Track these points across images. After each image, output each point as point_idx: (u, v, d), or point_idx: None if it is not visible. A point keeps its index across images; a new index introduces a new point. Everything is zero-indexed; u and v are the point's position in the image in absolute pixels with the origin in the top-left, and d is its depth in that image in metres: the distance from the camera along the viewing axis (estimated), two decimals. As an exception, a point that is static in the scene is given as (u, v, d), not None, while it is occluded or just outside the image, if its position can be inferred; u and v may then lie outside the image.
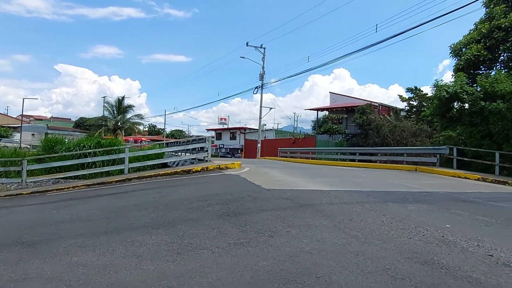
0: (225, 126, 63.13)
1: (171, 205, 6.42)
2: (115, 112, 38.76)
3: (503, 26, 15.92)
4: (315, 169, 14.46)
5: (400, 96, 29.59)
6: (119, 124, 38.79)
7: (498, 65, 17.27)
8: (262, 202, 6.20)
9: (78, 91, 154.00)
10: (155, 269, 3.47)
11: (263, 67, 34.44)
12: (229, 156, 45.62)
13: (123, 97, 39.91)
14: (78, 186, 10.21)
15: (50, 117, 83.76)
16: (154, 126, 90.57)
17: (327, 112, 37.59)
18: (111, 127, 36.94)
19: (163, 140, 61.39)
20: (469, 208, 6.23)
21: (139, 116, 42.03)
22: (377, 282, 2.93)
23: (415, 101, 28.55)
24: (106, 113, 39.76)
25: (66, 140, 15.55)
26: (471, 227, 4.85)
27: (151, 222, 5.29)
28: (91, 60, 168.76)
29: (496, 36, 16.10)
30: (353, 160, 21.38)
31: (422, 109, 25.79)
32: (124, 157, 11.91)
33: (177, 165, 14.79)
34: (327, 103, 40.48)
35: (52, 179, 12.04)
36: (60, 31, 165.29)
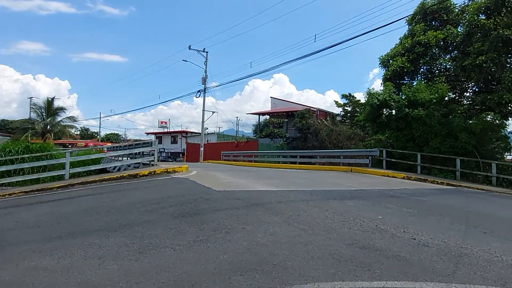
0: (166, 130, 61.74)
1: (123, 208, 6.44)
2: (43, 114, 36.04)
3: (422, 42, 17.97)
4: (260, 172, 15.02)
5: (336, 102, 31.58)
6: (48, 127, 36.20)
7: (419, 76, 19.39)
8: (215, 203, 6.50)
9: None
10: (119, 268, 3.61)
11: (205, 71, 34.51)
12: (171, 160, 44.76)
13: (53, 98, 37.28)
14: (15, 193, 9.58)
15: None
16: (87, 130, 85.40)
17: (268, 117, 38.71)
18: (39, 131, 34.28)
19: (97, 145, 58.34)
20: (396, 202, 7.14)
21: (72, 118, 39.58)
22: (325, 265, 3.42)
23: (349, 106, 30.68)
24: (34, 115, 36.81)
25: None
26: (399, 217, 5.64)
27: (105, 225, 5.31)
28: (13, 57, 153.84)
29: (417, 50, 18.10)
30: (294, 163, 22.43)
31: (356, 114, 27.81)
32: (64, 162, 11.38)
33: (118, 170, 14.42)
34: (267, 107, 41.69)
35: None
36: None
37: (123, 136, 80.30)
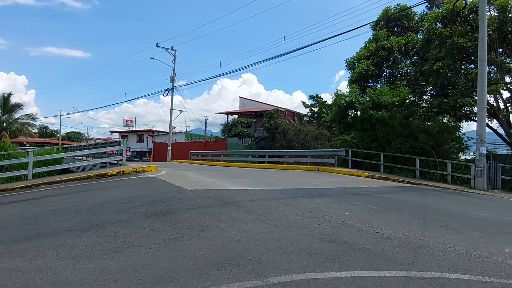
0: (132, 129, 60.20)
1: (94, 208, 6.36)
2: (-1, 111, 34.17)
3: (386, 47, 18.81)
4: (229, 171, 15.14)
5: (303, 103, 32.28)
6: (4, 125, 34.32)
7: (382, 79, 20.27)
8: (188, 202, 6.57)
9: None
10: (95, 267, 3.63)
11: (173, 69, 34.10)
12: (136, 159, 43.70)
13: (9, 94, 35.44)
14: (-28, 195, 9.12)
15: None
16: (46, 128, 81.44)
17: (236, 116, 38.84)
18: (-6, 128, 32.51)
19: (58, 143, 55.83)
20: (361, 199, 7.55)
21: (30, 116, 37.76)
22: (297, 258, 3.63)
23: (316, 107, 31.46)
24: (-13, 112, 34.83)
25: None
26: (364, 213, 6.00)
27: (77, 225, 5.25)
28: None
29: (381, 54, 18.93)
30: (263, 162, 22.72)
31: (322, 115, 28.58)
32: (27, 162, 10.93)
33: (83, 170, 14.03)
34: (236, 107, 41.82)
35: None
36: None
37: (85, 135, 77.33)
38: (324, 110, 29.18)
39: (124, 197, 7.38)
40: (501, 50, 16.51)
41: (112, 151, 14.26)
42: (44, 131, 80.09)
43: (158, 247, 4.14)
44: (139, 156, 49.33)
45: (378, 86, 19.51)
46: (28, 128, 39.58)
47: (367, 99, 17.84)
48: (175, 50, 33.89)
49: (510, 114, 19.21)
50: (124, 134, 57.35)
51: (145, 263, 3.66)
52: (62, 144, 49.72)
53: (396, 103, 16.82)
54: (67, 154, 15.46)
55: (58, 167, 12.34)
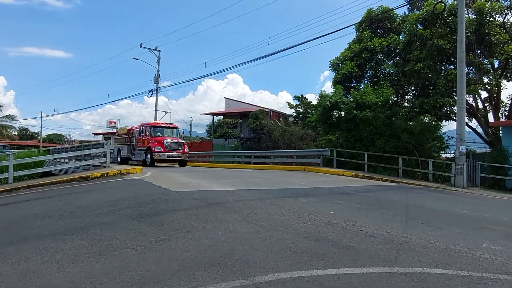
0: (115, 130, 59.31)
1: (78, 212, 6.27)
2: (-23, 112, 33.26)
3: (369, 48, 19.14)
4: (215, 172, 15.12)
5: (289, 103, 32.52)
6: (-18, 127, 33.44)
7: (366, 80, 20.62)
8: (174, 203, 6.55)
9: None
10: (80, 270, 3.59)
11: (158, 70, 33.76)
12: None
13: (-13, 96, 34.50)
14: (-51, 199, 8.85)
15: None
16: (26, 130, 79.39)
17: (222, 117, 38.76)
18: (-29, 131, 31.61)
19: (39, 146, 54.55)
20: (346, 198, 7.68)
21: (10, 117, 36.86)
22: (283, 257, 3.68)
23: (302, 108, 31.72)
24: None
25: None
26: (348, 212, 6.11)
27: (60, 229, 5.18)
28: None
29: (364, 55, 19.25)
30: (249, 163, 22.77)
31: (307, 115, 28.83)
32: (7, 165, 10.68)
33: (66, 172, 13.79)
34: (221, 108, 41.73)
35: None
36: None
37: (67, 137, 75.74)
38: (309, 111, 29.45)
39: (109, 199, 7.30)
40: (479, 51, 17.01)
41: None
42: (24, 133, 78.04)
43: (144, 249, 4.12)
44: (123, 158, 48.64)
45: (362, 86, 19.84)
46: (8, 130, 38.64)
47: (351, 100, 18.12)
48: (159, 51, 33.60)
49: (488, 114, 19.80)
50: (107, 136, 56.46)
51: (131, 265, 3.65)
52: (43, 147, 48.67)
53: (379, 104, 17.14)
54: (49, 156, 15.19)
55: (39, 170, 12.11)
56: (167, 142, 18.70)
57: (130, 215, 5.77)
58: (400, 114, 18.33)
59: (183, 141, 20.64)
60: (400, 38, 19.64)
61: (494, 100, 19.44)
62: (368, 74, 20.55)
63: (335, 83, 20.21)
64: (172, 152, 18.72)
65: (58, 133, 76.97)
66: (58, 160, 16.25)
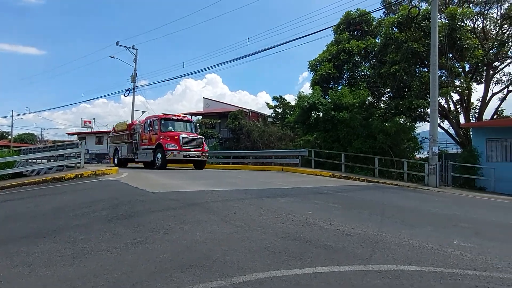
0: (90, 130, 57.93)
1: (51, 214, 6.07)
2: None
3: (346, 49, 19.48)
4: (194, 172, 14.99)
5: (268, 104, 32.67)
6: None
7: (343, 82, 20.97)
8: (151, 204, 6.45)
9: None
10: (53, 274, 3.48)
11: (135, 69, 33.19)
12: (96, 162, 42.16)
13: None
14: None
15: None
16: (-5, 129, 76.33)
17: (200, 117, 38.53)
18: None
19: (9, 146, 52.55)
20: (324, 198, 7.78)
21: (-22, 116, 35.31)
22: (261, 257, 3.69)
23: (280, 108, 31.92)
24: None
25: None
26: (326, 211, 6.20)
27: (32, 232, 5.00)
28: None
29: (342, 57, 19.58)
30: (228, 163, 22.73)
31: (286, 116, 29.04)
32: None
33: (38, 173, 13.35)
34: (200, 108, 41.47)
35: None
36: None
37: (40, 137, 73.31)
38: (288, 111, 29.67)
39: (83, 201, 7.11)
40: (451, 55, 17.63)
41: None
42: (-6, 133, 75.03)
43: (120, 251, 4.04)
44: (99, 158, 47.62)
45: (340, 88, 20.16)
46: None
47: (329, 101, 18.40)
48: (136, 49, 33.05)
49: (460, 116, 20.55)
50: (82, 136, 55.07)
51: (106, 268, 3.57)
52: (14, 147, 46.89)
53: (357, 105, 17.47)
54: (20, 157, 14.66)
55: (10, 171, 11.65)
56: (183, 137, 15.68)
57: (105, 217, 5.64)
58: (377, 115, 18.75)
59: (202, 137, 17.50)
60: (377, 41, 20.09)
61: (465, 103, 20.20)
62: (346, 75, 20.92)
63: (314, 84, 20.47)
64: (190, 151, 15.68)
65: (30, 132, 74.48)
66: (30, 160, 15.70)
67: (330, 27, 21.26)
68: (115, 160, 19.91)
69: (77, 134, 57.60)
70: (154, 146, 16.11)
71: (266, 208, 6.15)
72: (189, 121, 18.18)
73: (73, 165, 12.71)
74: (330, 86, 20.77)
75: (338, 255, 3.80)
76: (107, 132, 53.33)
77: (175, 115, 17.72)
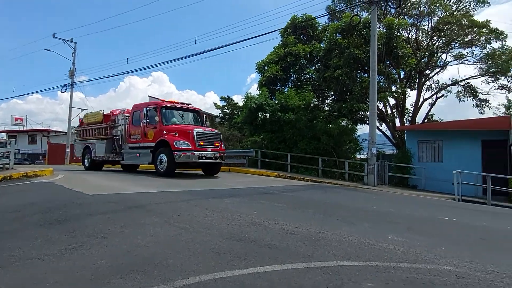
0: (22, 128, 53.40)
1: (-29, 220, 5.47)
2: None
3: (293, 53, 20.00)
4: (137, 173, 14.44)
5: (215, 104, 32.44)
6: None
7: (290, 84, 21.50)
8: (89, 208, 6.08)
9: None
10: (-27, 287, 3.15)
11: (73, 63, 31.22)
12: (28, 163, 38.92)
13: None
14: None
15: None
16: None
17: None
18: None
19: None
20: (269, 198, 7.90)
21: None
22: (205, 259, 3.64)
23: (228, 109, 31.87)
24: None
25: None
26: (271, 211, 6.29)
27: None
28: None
29: (288, 60, 20.06)
30: (174, 163, 22.15)
31: (234, 116, 29.07)
32: None
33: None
34: (145, 107, 39.98)
35: None
36: None
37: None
38: (236, 112, 29.72)
39: (12, 204, 6.50)
40: (388, 62, 18.86)
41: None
42: None
43: (53, 259, 3.75)
44: (31, 159, 44.11)
45: (286, 89, 20.64)
46: None
47: (276, 102, 18.75)
48: (75, 43, 31.13)
49: (396, 119, 22.05)
50: (12, 134, 50.52)
51: (37, 277, 3.29)
52: None
53: (302, 107, 18.01)
54: None
55: None
56: (198, 133, 11.95)
57: (37, 222, 5.21)
58: (321, 117, 19.48)
59: (219, 132, 14.08)
60: (322, 45, 20.87)
61: (400, 107, 21.76)
62: (292, 78, 21.49)
63: (261, 85, 20.74)
64: (206, 150, 12.00)
65: (-51, 130, 66.67)
66: None
67: (278, 30, 21.73)
68: (86, 162, 16.24)
69: (7, 132, 52.71)
70: (153, 144, 12.33)
71: (212, 209, 6.10)
72: (196, 111, 14.15)
73: (1, 166, 11.59)
74: (277, 87, 21.19)
75: (282, 254, 3.87)
76: (42, 131, 49.61)
77: (178, 103, 13.59)
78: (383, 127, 22.42)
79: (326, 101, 22.21)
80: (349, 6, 21.77)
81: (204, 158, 11.88)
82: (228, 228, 4.90)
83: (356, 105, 17.77)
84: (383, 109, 21.67)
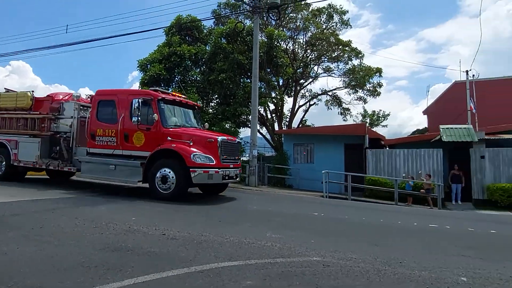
0: None
1: None
2: None
3: (178, 53, 19.61)
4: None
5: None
6: None
7: (174, 84, 21.01)
8: None
9: None
10: None
11: None
12: None
13: None
14: None
15: None
16: None
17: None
18: None
19: None
20: (150, 203, 7.54)
21: None
22: (73, 275, 3.21)
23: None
24: None
25: None
26: (150, 217, 6.03)
27: None
28: None
29: (173, 60, 19.58)
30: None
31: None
32: None
33: None
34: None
35: None
36: None
37: None
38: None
39: None
40: (269, 70, 20.10)
41: None
42: None
43: None
44: None
45: (170, 90, 20.08)
46: None
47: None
48: None
49: (275, 123, 23.64)
50: None
51: None
52: None
53: (186, 108, 17.76)
54: None
55: None
56: (223, 142, 8.83)
57: None
58: (205, 119, 19.55)
59: (240, 141, 11.55)
60: (207, 48, 21.00)
61: (279, 112, 23.42)
62: (177, 78, 21.04)
63: (143, 84, 19.75)
64: (229, 167, 8.98)
65: None
66: None
67: (162, 27, 21.02)
68: (1, 167, 10.96)
69: None
70: (147, 154, 8.55)
71: (83, 218, 5.49)
72: (194, 108, 10.57)
73: None
74: (161, 87, 20.47)
75: (161, 260, 3.70)
76: None
77: (176, 95, 10.07)
78: (264, 130, 23.79)
79: (211, 103, 22.43)
80: (234, 13, 22.44)
81: (227, 177, 8.92)
82: (102, 238, 4.47)
83: (239, 109, 18.40)
84: (264, 114, 22.98)
